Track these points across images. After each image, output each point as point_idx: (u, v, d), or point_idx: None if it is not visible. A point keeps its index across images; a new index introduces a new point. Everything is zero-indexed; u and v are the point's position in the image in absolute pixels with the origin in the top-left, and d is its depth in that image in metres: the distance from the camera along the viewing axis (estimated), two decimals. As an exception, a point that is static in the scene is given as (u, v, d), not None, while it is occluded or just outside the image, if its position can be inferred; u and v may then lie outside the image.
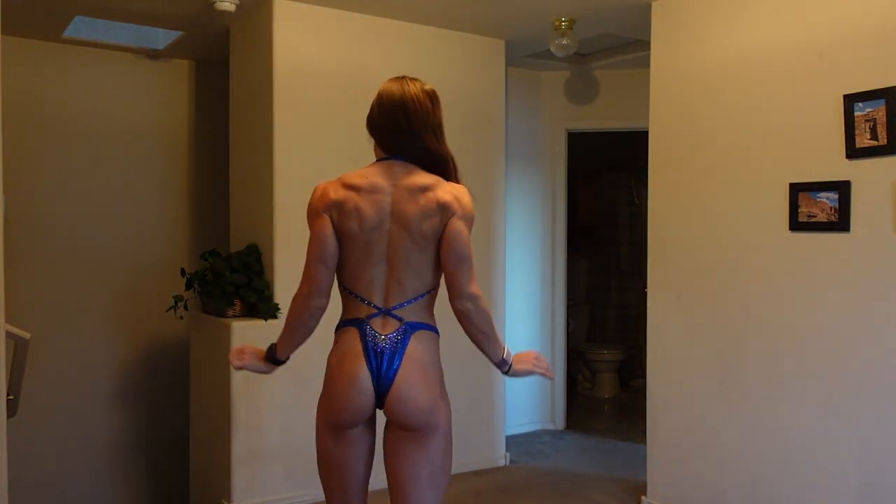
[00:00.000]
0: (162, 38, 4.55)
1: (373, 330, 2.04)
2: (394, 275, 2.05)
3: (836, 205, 2.95)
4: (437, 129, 2.13)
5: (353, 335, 2.06)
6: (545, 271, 5.45)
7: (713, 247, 3.48)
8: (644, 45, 4.33)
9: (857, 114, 2.86)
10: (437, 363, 2.12)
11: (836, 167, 2.96)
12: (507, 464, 4.65)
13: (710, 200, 3.50)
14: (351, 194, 2.05)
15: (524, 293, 5.36)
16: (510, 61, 4.86)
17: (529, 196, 5.39)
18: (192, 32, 4.29)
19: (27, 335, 2.74)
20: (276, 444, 3.78)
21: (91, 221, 4.57)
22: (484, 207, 4.37)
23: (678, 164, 3.66)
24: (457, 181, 2.13)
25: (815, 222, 3.03)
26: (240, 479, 3.69)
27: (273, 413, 3.76)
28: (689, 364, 3.59)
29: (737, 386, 3.36)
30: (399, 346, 2.03)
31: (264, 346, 2.21)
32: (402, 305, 2.05)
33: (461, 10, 4.00)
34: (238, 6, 3.71)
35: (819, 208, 3.02)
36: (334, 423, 2.08)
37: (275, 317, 3.72)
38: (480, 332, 2.05)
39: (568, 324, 5.74)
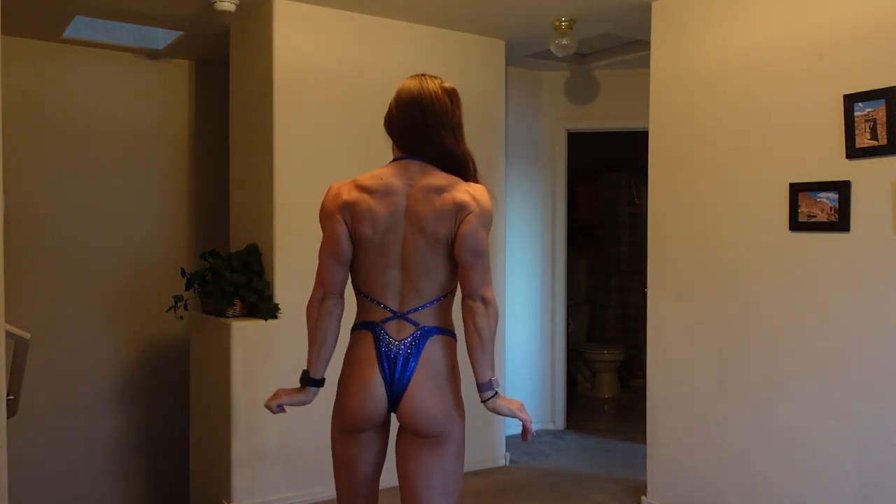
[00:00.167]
0: (162, 38, 4.55)
1: (387, 335, 1.99)
2: (409, 278, 1.99)
3: (836, 205, 2.95)
4: (455, 129, 2.07)
5: (367, 339, 2.02)
6: (545, 271, 5.45)
7: (713, 247, 3.48)
8: (644, 45, 4.33)
9: (857, 114, 2.86)
10: (454, 369, 2.06)
11: (836, 167, 2.96)
12: (507, 464, 4.65)
13: (710, 200, 3.50)
14: (364, 196, 1.99)
15: (524, 293, 5.36)
16: (510, 61, 4.86)
17: (529, 196, 5.39)
18: (192, 32, 4.29)
19: (27, 335, 2.73)
20: (276, 444, 3.78)
21: (91, 221, 4.57)
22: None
23: (678, 164, 3.65)
24: (476, 182, 2.06)
25: (815, 222, 3.03)
26: (240, 479, 3.69)
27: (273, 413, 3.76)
28: (689, 364, 3.59)
29: (737, 386, 3.36)
30: (413, 352, 1.98)
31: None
32: (417, 309, 2.00)
33: (461, 10, 4.00)
34: (238, 6, 3.71)
35: (819, 208, 3.02)
36: (346, 427, 2.06)
37: (275, 317, 3.70)
38: (478, 338, 1.96)
39: (568, 324, 5.74)
